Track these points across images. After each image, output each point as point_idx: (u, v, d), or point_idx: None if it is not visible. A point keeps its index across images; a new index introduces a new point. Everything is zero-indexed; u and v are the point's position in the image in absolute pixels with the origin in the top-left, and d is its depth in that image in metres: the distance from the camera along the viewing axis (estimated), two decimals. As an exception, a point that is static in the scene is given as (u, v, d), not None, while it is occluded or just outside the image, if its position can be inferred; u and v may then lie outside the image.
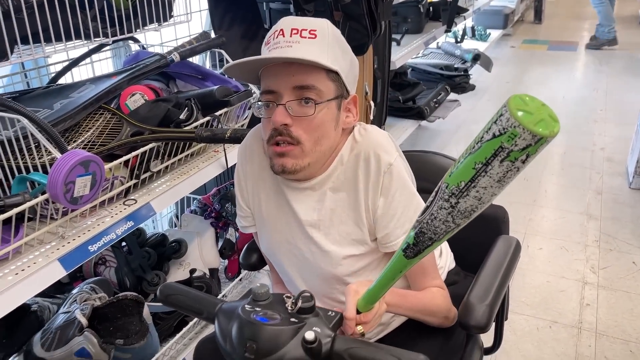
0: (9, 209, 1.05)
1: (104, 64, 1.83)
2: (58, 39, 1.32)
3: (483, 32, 5.60)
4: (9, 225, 1.05)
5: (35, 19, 1.21)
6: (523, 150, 0.59)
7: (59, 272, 1.12)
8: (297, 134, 0.99)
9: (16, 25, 1.19)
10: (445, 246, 1.28)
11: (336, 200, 1.07)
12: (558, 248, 2.64)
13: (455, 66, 4.28)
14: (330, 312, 0.86)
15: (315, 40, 0.99)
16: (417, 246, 0.78)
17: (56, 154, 1.14)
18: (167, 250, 1.68)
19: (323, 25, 1.01)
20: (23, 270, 1.08)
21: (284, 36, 0.99)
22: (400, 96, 3.43)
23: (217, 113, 1.54)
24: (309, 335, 0.78)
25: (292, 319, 0.82)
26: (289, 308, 0.84)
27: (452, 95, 3.97)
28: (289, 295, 0.86)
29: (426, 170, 1.40)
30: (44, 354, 1.20)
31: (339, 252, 1.07)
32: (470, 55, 4.54)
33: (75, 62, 1.65)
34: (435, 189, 0.74)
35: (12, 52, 1.19)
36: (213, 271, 1.77)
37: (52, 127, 1.16)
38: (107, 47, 1.78)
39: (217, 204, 1.83)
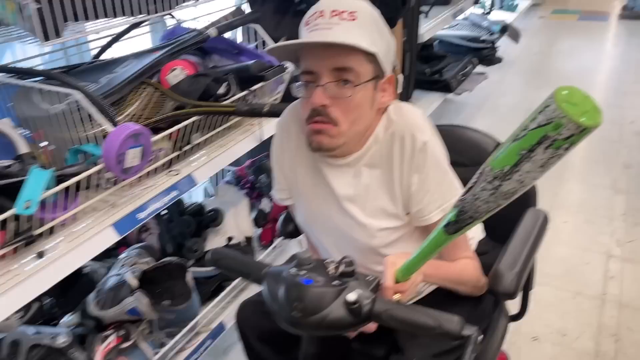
0: (67, 179, 1.12)
1: (143, 39, 1.89)
2: (102, 16, 1.39)
3: (511, 3, 5.49)
4: (66, 194, 1.13)
5: (84, -3, 1.27)
6: (567, 140, 0.64)
7: (113, 237, 1.21)
8: (335, 115, 1.04)
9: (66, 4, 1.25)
10: (475, 217, 1.33)
11: (371, 176, 1.12)
12: (583, 222, 2.66)
13: (483, 38, 4.23)
14: (368, 277, 0.92)
15: (354, 23, 1.02)
16: (458, 224, 0.83)
17: (108, 126, 1.21)
18: (205, 219, 1.76)
19: (363, 7, 1.04)
20: (81, 234, 1.17)
21: (323, 17, 1.02)
22: (427, 69, 3.43)
23: (254, 87, 1.59)
24: (351, 296, 0.85)
25: (335, 282, 0.88)
26: (331, 272, 0.90)
27: (479, 68, 3.94)
28: (331, 260, 0.92)
29: (456, 144, 1.43)
30: (99, 312, 1.30)
31: (374, 224, 1.13)
32: (498, 27, 4.48)
33: (117, 38, 1.71)
34: (479, 171, 0.78)
35: (63, 29, 1.25)
36: (248, 239, 1.85)
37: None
38: (146, 23, 1.84)
39: (251, 176, 1.90)
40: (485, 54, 3.99)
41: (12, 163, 1.19)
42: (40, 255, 1.09)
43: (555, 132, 0.63)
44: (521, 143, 0.68)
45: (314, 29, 1.03)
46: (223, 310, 1.71)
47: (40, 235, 1.11)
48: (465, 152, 1.43)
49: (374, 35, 1.04)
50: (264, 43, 1.84)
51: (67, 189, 1.12)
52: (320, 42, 1.01)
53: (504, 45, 4.88)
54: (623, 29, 6.07)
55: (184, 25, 1.87)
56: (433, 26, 3.10)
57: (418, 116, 1.11)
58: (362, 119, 1.07)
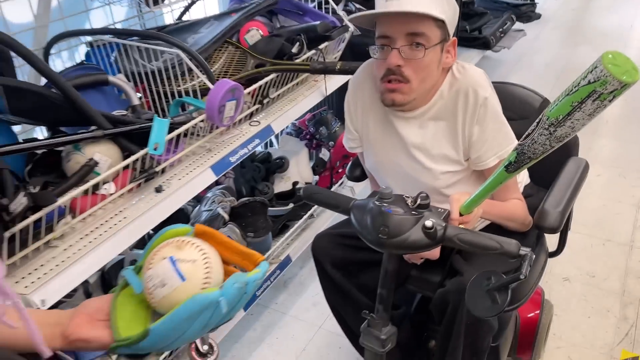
0: (176, 127, 1.33)
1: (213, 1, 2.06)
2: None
3: (551, -44, 5.43)
4: (171, 140, 1.34)
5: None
6: (611, 93, 0.81)
7: (211, 177, 1.43)
8: (408, 74, 1.21)
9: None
10: (523, 164, 1.51)
11: (437, 127, 1.30)
12: (616, 175, 2.80)
13: (521, -6, 4.27)
14: (440, 209, 1.12)
15: None
16: (518, 163, 1.01)
17: (206, 81, 1.41)
18: (272, 165, 1.97)
19: None
20: (187, 174, 1.38)
21: None
22: (468, 26, 3.52)
23: (320, 46, 1.76)
24: (428, 222, 1.05)
25: (413, 212, 1.08)
26: (410, 204, 1.10)
27: (518, 24, 4.00)
28: (408, 195, 1.12)
29: (506, 99, 1.59)
30: (196, 241, 1.54)
31: (438, 168, 1.32)
32: (537, -18, 4.48)
33: (193, 2, 1.89)
34: (537, 120, 0.95)
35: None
36: (308, 184, 2.06)
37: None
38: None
39: (312, 127, 2.09)
40: (524, 11, 4.04)
41: (126, 112, 1.40)
42: (158, 189, 1.31)
43: (602, 87, 0.80)
44: (573, 97, 0.86)
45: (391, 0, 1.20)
46: (289, 246, 1.95)
47: (156, 173, 1.33)
48: (514, 107, 1.58)
49: (442, 3, 1.21)
50: (320, 4, 1.99)
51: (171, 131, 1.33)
52: (397, 12, 1.18)
53: (542, 0, 4.88)
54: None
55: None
56: (475, -16, 3.17)
57: (479, 74, 1.28)
58: (431, 77, 1.24)
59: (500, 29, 3.66)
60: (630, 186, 2.71)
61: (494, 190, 1.10)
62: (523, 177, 1.51)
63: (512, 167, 1.03)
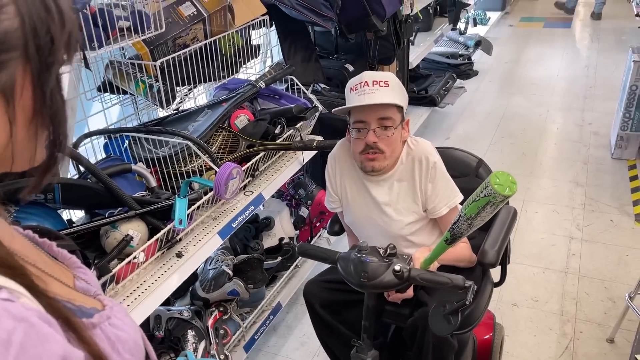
0: (192, 203, 1.66)
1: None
2: (192, 83, 1.93)
3: (483, 17, 6.11)
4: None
5: (184, 71, 1.81)
6: (501, 202, 1.22)
7: (218, 241, 1.75)
8: (382, 147, 1.61)
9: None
10: (466, 214, 1.90)
11: (401, 187, 1.68)
12: (550, 211, 3.26)
13: (460, 53, 4.84)
14: (404, 255, 1.48)
15: (389, 88, 1.59)
16: (452, 239, 1.39)
17: (211, 164, 1.75)
18: (260, 224, 2.30)
19: (392, 77, 1.61)
20: (199, 240, 1.70)
21: (368, 86, 1.60)
22: (415, 87, 4.00)
23: (297, 125, 2.14)
24: (397, 267, 1.40)
25: (385, 259, 1.44)
26: (382, 253, 1.45)
27: (459, 82, 4.54)
28: (380, 247, 1.47)
29: (449, 161, 2.00)
30: (206, 294, 1.84)
31: (403, 220, 1.69)
32: (472, 42, 5.08)
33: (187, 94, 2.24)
34: (458, 214, 1.33)
35: (175, 98, 1.79)
36: (291, 239, 2.39)
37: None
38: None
39: (291, 190, 2.44)
40: (463, 69, 4.59)
41: (146, 194, 1.72)
42: (179, 255, 1.63)
43: (493, 199, 1.22)
44: (478, 203, 1.27)
45: (362, 94, 1.60)
46: (278, 294, 2.26)
47: (177, 242, 1.64)
48: (455, 166, 1.99)
49: (400, 94, 1.62)
50: (288, 87, 2.38)
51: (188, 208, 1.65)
52: (372, 104, 1.58)
53: (478, 55, 5.49)
54: (584, 35, 6.73)
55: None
56: (419, 53, 3.67)
57: (428, 145, 1.69)
58: (397, 148, 1.64)
59: (444, 88, 4.17)
60: (562, 220, 3.17)
61: (440, 254, 1.47)
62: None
63: (449, 241, 1.40)
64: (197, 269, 2.03)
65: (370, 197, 1.72)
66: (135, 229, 1.56)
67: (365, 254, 1.46)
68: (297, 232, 2.52)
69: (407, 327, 1.69)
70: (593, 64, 5.66)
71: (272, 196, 2.53)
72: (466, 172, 2.00)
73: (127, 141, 1.91)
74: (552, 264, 2.81)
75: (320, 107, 2.24)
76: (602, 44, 6.31)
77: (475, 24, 5.98)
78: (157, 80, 1.72)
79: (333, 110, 1.66)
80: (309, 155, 2.24)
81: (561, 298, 2.58)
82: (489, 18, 6.22)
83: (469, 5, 4.66)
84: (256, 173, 2.00)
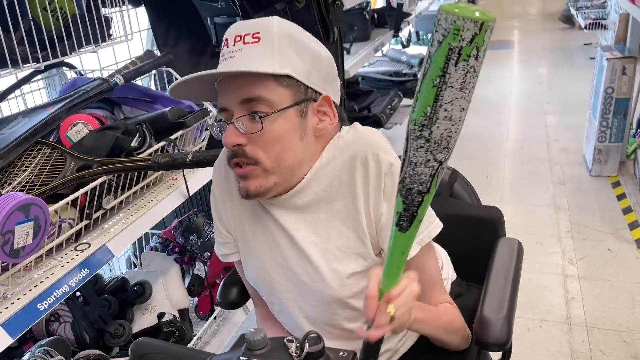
0: None
1: (37, 95, 1.64)
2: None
3: (426, 37, 5.65)
4: None
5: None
6: (471, 43, 0.57)
7: (3, 340, 0.94)
8: (253, 153, 0.88)
9: None
10: (445, 256, 1.18)
11: (332, 211, 0.94)
12: (533, 243, 2.60)
13: (404, 72, 4.27)
14: (341, 353, 0.72)
15: (258, 45, 0.87)
16: (409, 210, 0.69)
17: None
18: (129, 295, 1.49)
19: (268, 25, 0.88)
20: (-43, 344, 0.89)
21: (228, 46, 0.89)
22: (355, 105, 3.35)
23: (172, 137, 1.38)
24: (325, 387, 0.65)
25: (300, 370, 0.68)
26: (294, 354, 0.70)
27: (405, 100, 3.93)
28: (290, 338, 0.72)
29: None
30: None
31: (340, 270, 0.94)
32: (416, 60, 4.55)
33: (3, 95, 1.46)
34: (405, 137, 0.68)
35: None
36: (183, 312, 1.59)
37: (-20, 169, 0.99)
38: (39, 76, 1.60)
39: (180, 237, 1.66)
40: (409, 87, 3.99)
41: None
42: None
43: (457, 39, 0.57)
44: (431, 73, 0.62)
45: (222, 60, 0.88)
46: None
47: None
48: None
49: (286, 53, 0.88)
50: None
51: None
52: (209, 73, 0.85)
53: (424, 78, 4.96)
54: (528, 56, 6.41)
55: (88, 75, 1.65)
56: (356, 62, 3.03)
57: (378, 135, 0.96)
58: (289, 152, 0.90)
59: (389, 106, 3.54)
60: (550, 253, 2.51)
61: (404, 258, 0.74)
62: (448, 272, 1.17)
63: (404, 221, 0.71)
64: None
65: (282, 234, 0.97)
66: None
67: (261, 356, 0.70)
68: (195, 299, 1.71)
69: None
70: (545, 80, 5.26)
71: (154, 248, 1.73)
72: (438, 189, 1.28)
73: None
74: (548, 314, 2.12)
75: (213, 110, 1.50)
76: (549, 61, 5.98)
77: (418, 39, 5.50)
78: None
79: (168, 89, 0.92)
80: (198, 182, 1.48)
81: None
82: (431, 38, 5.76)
83: (409, 15, 4.12)
84: (98, 213, 1.21)
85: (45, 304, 1.02)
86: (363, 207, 0.92)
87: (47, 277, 1.06)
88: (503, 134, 3.97)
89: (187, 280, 1.69)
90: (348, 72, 2.82)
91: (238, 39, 0.87)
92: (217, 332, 1.68)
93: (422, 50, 5.23)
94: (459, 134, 0.67)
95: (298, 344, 0.70)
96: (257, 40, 0.86)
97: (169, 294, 1.57)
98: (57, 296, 1.04)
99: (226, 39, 0.89)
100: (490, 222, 1.24)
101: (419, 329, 0.94)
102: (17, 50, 1.17)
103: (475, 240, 1.22)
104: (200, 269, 1.68)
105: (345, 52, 3.08)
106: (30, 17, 1.20)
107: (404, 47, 4.66)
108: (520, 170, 3.40)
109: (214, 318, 1.68)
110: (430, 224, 0.94)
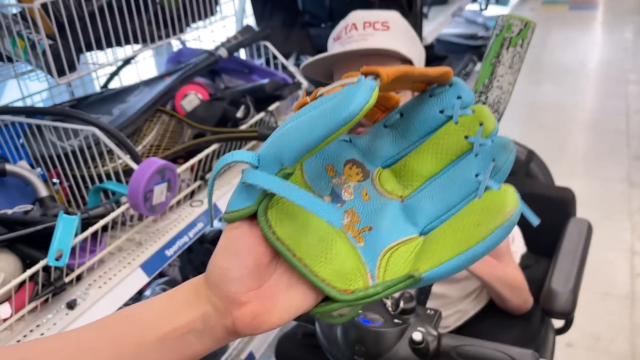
0: (94, 221, 1.06)
1: (147, 63, 1.83)
2: (111, 44, 1.34)
3: (503, -3, 5.48)
4: (92, 236, 1.07)
5: (97, 27, 1.21)
6: (518, 35, 0.68)
7: (142, 279, 1.15)
8: None
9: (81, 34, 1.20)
10: (516, 230, 1.28)
11: None
12: (602, 218, 2.62)
13: (480, 35, 4.21)
14: (429, 311, 0.87)
15: (388, 32, 1.00)
16: None
17: (130, 163, 1.15)
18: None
19: (394, 17, 1.02)
20: (110, 279, 1.10)
21: (357, 30, 1.00)
22: (430, 71, 3.38)
23: (270, 108, 1.53)
24: (417, 335, 0.80)
25: (395, 320, 0.83)
26: (390, 309, 0.85)
27: (479, 65, 3.91)
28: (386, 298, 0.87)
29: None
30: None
31: None
32: (493, 22, 4.45)
33: (123, 65, 1.65)
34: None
35: (78, 61, 1.19)
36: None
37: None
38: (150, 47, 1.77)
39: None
40: (483, 51, 3.95)
41: (32, 208, 1.13)
42: (70, 306, 1.03)
43: (509, 31, 0.69)
44: (489, 56, 0.75)
45: (349, 42, 1.01)
46: (246, 346, 1.65)
47: (65, 285, 1.04)
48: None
49: (407, 43, 1.03)
50: (268, 60, 1.78)
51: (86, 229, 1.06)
52: (359, 50, 0.98)
53: (499, 41, 4.85)
54: (613, 18, 6.07)
55: (189, 45, 1.82)
56: (434, 28, 3.05)
57: None
58: None
59: (464, 71, 3.55)
60: (619, 229, 2.53)
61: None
62: (519, 245, 1.28)
63: None
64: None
65: None
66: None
67: (363, 310, 0.86)
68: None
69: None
70: (630, 46, 5.00)
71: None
72: (513, 168, 1.36)
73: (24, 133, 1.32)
74: (612, 288, 2.18)
75: (305, 83, 1.64)
76: (637, 25, 5.65)
77: (497, 1, 5.35)
78: (49, 38, 1.13)
79: (303, 64, 1.06)
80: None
81: (631, 335, 1.95)
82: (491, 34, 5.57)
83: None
84: (208, 174, 1.40)
85: (171, 250, 1.22)
86: None
87: (171, 229, 1.26)
88: (579, 104, 3.89)
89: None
90: (425, 38, 2.86)
91: (367, 24, 1.01)
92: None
93: (498, 10, 5.10)
94: (507, 103, 0.81)
95: (394, 300, 0.85)
96: (387, 28, 1.01)
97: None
98: (180, 245, 1.24)
99: (353, 24, 1.03)
100: (563, 202, 1.32)
101: (475, 269, 1.05)
102: (147, 31, 1.34)
103: (547, 218, 1.30)
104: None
105: (423, 18, 3.11)
106: (157, 2, 1.36)
107: (481, 10, 4.56)
108: (595, 142, 3.36)
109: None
110: None
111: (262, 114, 1.50)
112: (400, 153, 0.51)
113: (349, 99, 0.39)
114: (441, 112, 0.49)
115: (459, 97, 0.48)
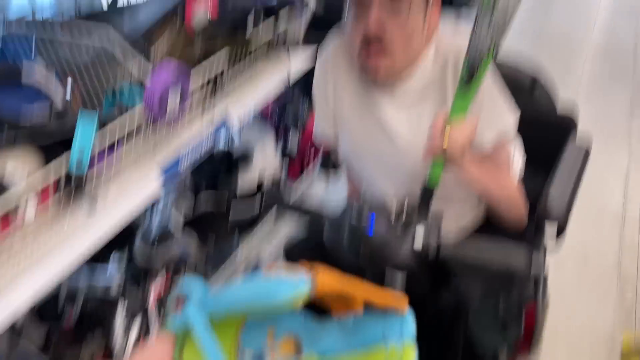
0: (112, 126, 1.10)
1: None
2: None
3: None
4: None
5: None
6: None
7: (157, 179, 1.20)
8: (388, 38, 1.01)
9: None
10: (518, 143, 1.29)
11: (424, 108, 1.09)
12: (601, 141, 2.63)
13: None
14: (434, 214, 0.92)
15: None
16: (471, 69, 0.89)
17: (146, 67, 1.17)
18: (235, 161, 1.74)
19: None
20: (128, 180, 1.15)
21: None
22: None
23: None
24: (419, 241, 0.86)
25: (399, 225, 0.89)
26: (395, 214, 0.90)
27: None
28: (389, 203, 0.92)
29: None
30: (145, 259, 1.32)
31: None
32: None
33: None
34: (474, 17, 0.87)
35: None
36: (276, 176, 1.84)
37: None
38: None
39: (277, 110, 1.86)
40: None
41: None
42: (90, 203, 1.08)
43: None
44: None
45: None
46: (256, 248, 1.73)
47: (82, 181, 1.08)
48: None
49: None
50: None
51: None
52: None
53: None
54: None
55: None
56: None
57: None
58: (414, 42, 1.04)
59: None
60: (616, 152, 2.58)
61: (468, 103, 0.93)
62: (518, 162, 1.31)
63: (467, 75, 0.91)
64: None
65: (379, 120, 1.14)
66: (18, 161, 1.01)
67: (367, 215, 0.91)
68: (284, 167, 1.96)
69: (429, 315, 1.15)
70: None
71: (254, 117, 1.96)
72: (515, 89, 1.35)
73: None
74: (605, 208, 2.26)
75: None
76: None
77: None
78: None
79: None
80: (300, 60, 1.64)
81: (618, 253, 2.06)
82: None
83: None
84: (223, 81, 1.41)
85: (184, 156, 1.27)
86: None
87: (184, 133, 1.30)
88: (590, 27, 3.81)
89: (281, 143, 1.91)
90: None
91: None
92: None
93: None
94: (513, 19, 0.86)
95: (397, 206, 0.90)
96: None
97: (266, 160, 1.81)
98: (193, 146, 1.28)
99: None
100: (564, 129, 1.35)
101: (472, 175, 1.03)
102: None
103: (547, 142, 1.33)
104: (293, 138, 1.89)
105: None
106: None
107: None
108: (602, 67, 3.33)
109: (301, 182, 1.93)
110: (511, 115, 1.09)
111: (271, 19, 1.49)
112: (338, 351, 0.67)
113: (281, 292, 0.59)
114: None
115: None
